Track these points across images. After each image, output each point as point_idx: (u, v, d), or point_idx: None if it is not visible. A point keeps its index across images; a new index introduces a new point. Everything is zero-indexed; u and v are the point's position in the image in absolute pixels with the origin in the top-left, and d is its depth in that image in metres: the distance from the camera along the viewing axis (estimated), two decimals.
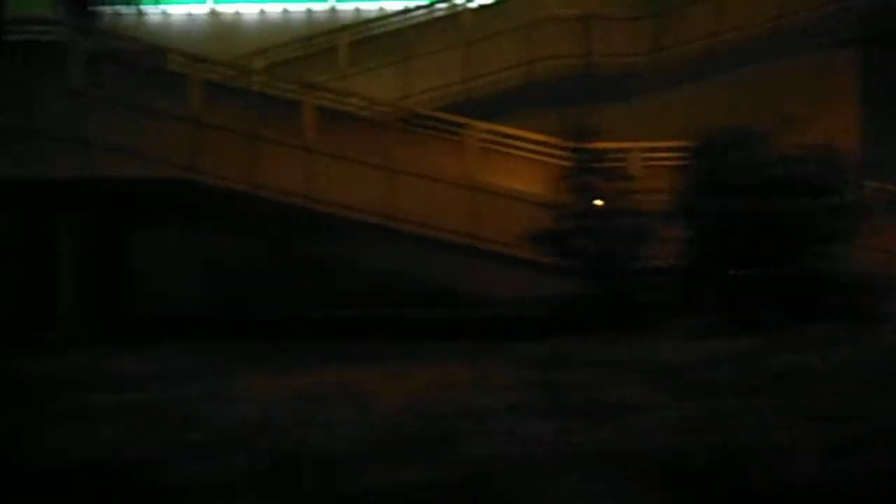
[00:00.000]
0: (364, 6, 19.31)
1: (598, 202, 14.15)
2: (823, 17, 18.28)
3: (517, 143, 16.04)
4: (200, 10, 20.93)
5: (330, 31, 18.50)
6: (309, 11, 20.02)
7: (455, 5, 18.27)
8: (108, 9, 20.62)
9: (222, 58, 17.18)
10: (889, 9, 20.39)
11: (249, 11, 20.83)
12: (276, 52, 18.40)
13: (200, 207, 16.70)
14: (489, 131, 16.01)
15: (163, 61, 16.47)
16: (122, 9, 20.69)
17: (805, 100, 21.94)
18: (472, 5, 18.32)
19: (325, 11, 19.53)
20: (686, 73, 18.14)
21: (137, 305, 18.58)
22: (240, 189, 15.00)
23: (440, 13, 18.47)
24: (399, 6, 18.78)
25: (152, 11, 20.91)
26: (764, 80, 19.27)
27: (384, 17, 18.67)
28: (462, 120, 15.90)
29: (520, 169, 16.14)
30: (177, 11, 20.96)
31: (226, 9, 20.90)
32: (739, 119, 18.52)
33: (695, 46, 18.08)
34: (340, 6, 19.41)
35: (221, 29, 20.67)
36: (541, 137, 15.82)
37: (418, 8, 18.52)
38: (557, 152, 15.49)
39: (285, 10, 20.51)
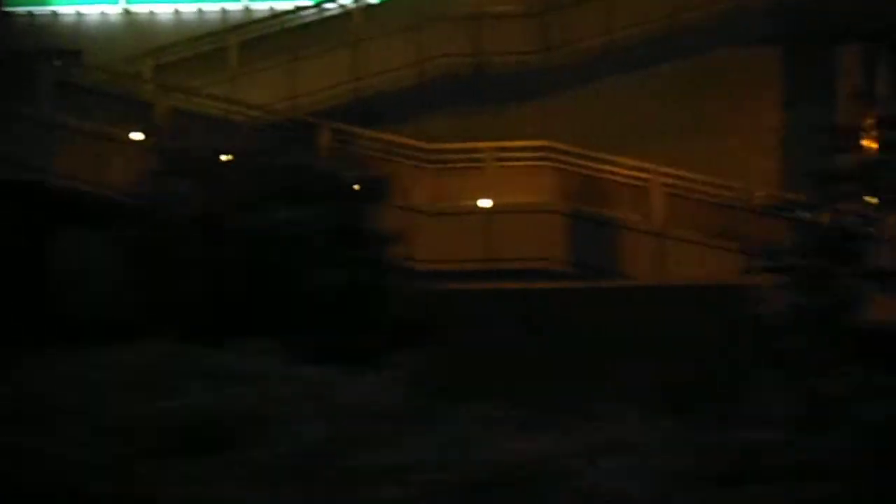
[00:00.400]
0: (255, 6, 18.99)
1: None
2: (722, 13, 17.57)
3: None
4: (113, 9, 20.79)
5: (220, 31, 18.26)
6: (217, 11, 19.74)
7: (344, 4, 17.91)
8: (20, 9, 20.59)
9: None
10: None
11: (163, 11, 20.63)
12: (170, 52, 18.20)
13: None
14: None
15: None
16: (36, 9, 20.63)
17: (725, 99, 21.36)
18: (361, 4, 17.95)
19: (217, 12, 19.23)
20: (584, 72, 17.60)
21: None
22: (84, 189, 14.78)
23: (331, 12, 18.12)
24: (289, 6, 18.44)
25: (66, 12, 20.82)
26: (677, 79, 18.82)
27: (275, 16, 18.36)
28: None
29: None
30: (91, 11, 20.84)
31: (139, 8, 20.72)
32: (644, 119, 18.13)
33: (588, 44, 17.51)
34: (230, 6, 19.10)
35: (134, 28, 20.52)
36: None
37: (308, 7, 18.18)
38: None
39: (199, 10, 20.29)
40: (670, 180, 14.61)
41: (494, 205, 14.20)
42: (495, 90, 17.59)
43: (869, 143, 22.55)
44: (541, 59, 17.47)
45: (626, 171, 15.04)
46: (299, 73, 17.64)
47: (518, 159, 14.89)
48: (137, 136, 15.11)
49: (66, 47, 18.96)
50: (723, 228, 14.56)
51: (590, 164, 15.22)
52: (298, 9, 18.25)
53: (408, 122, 16.96)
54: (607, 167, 15.21)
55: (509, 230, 13.76)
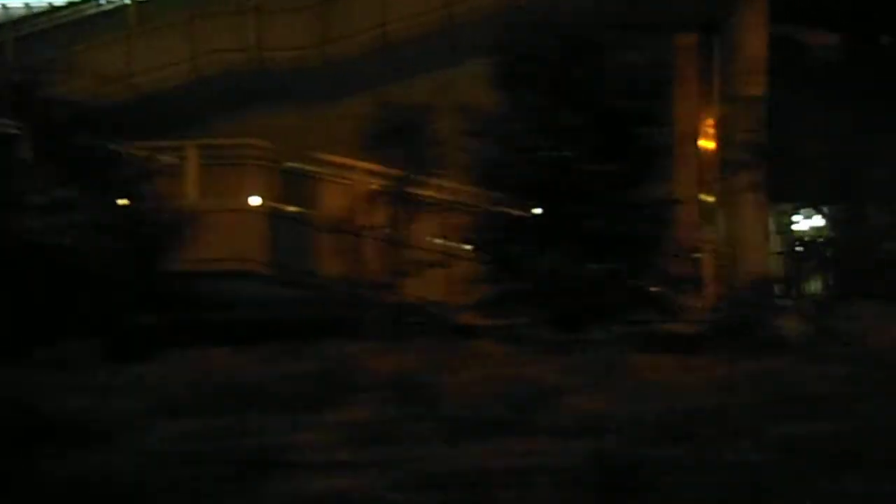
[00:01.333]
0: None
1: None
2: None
3: None
4: None
5: None
6: None
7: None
8: None
9: None
10: None
11: None
12: None
13: None
14: None
15: None
16: None
17: None
18: None
19: None
20: (360, 67, 16.88)
21: None
22: None
23: (108, 6, 17.54)
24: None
25: None
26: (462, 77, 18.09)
27: (53, 10, 17.81)
28: None
29: None
30: None
31: None
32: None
33: (366, 37, 16.77)
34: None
35: None
36: None
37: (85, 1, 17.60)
38: None
39: None
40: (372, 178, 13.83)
41: (200, 204, 13.57)
42: (274, 88, 16.96)
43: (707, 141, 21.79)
44: (315, 54, 16.77)
45: (331, 172, 14.37)
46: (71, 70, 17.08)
47: (224, 158, 14.29)
48: None
49: None
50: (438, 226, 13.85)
51: (299, 165, 14.62)
52: (76, 2, 17.67)
53: (182, 122, 16.36)
54: (314, 167, 14.58)
55: (213, 231, 13.12)
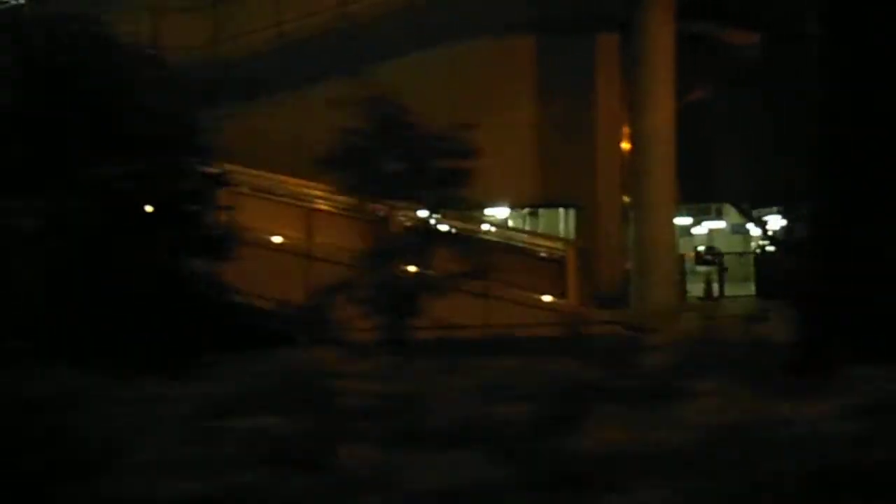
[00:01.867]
0: None
1: None
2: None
3: None
4: None
5: None
6: None
7: None
8: None
9: None
10: None
11: None
12: None
13: None
14: None
15: None
16: None
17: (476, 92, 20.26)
18: None
19: None
20: (255, 68, 16.52)
21: None
22: None
23: None
24: None
25: None
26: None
27: None
28: None
29: None
30: None
31: None
32: None
33: (259, 36, 16.43)
34: None
35: None
36: None
37: None
38: None
39: None
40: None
41: None
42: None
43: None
44: (208, 53, 16.40)
45: None
46: None
47: None
48: None
49: None
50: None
51: None
52: None
53: None
54: None
55: None
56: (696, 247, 41.31)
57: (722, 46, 20.06)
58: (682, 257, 21.86)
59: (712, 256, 32.28)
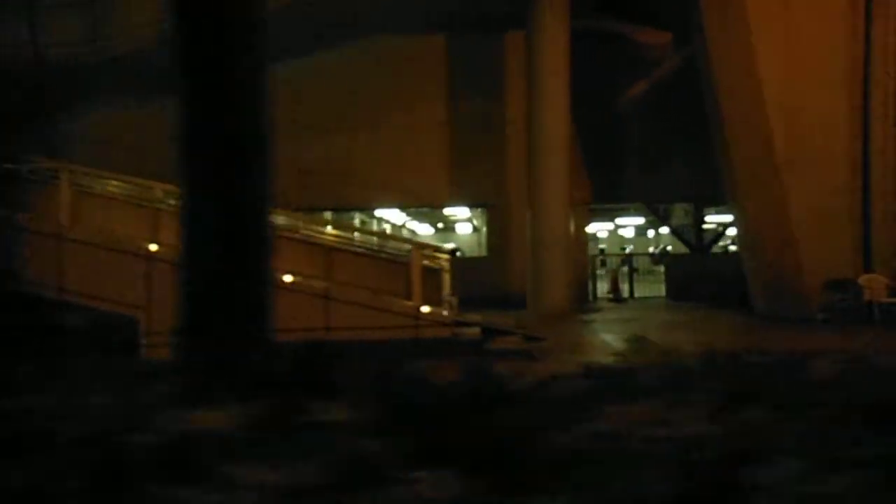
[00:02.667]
0: None
1: None
2: None
3: None
4: None
5: None
6: None
7: None
8: None
9: None
10: None
11: None
12: None
13: None
14: None
15: None
16: None
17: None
18: None
19: None
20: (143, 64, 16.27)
21: None
22: None
23: None
24: None
25: None
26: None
27: None
28: None
29: None
30: None
31: None
32: None
33: (141, 33, 16.18)
34: None
35: None
36: None
37: None
38: None
39: None
40: None
41: None
42: (54, 86, 16.34)
43: None
44: (90, 51, 16.19)
45: None
46: None
47: None
48: None
49: None
50: None
51: None
52: None
53: None
54: None
55: None
56: (650, 248, 41.22)
57: (640, 46, 19.84)
58: (590, 259, 21.62)
59: (660, 257, 32.15)
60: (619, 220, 47.73)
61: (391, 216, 43.65)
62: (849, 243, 14.64)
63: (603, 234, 57.88)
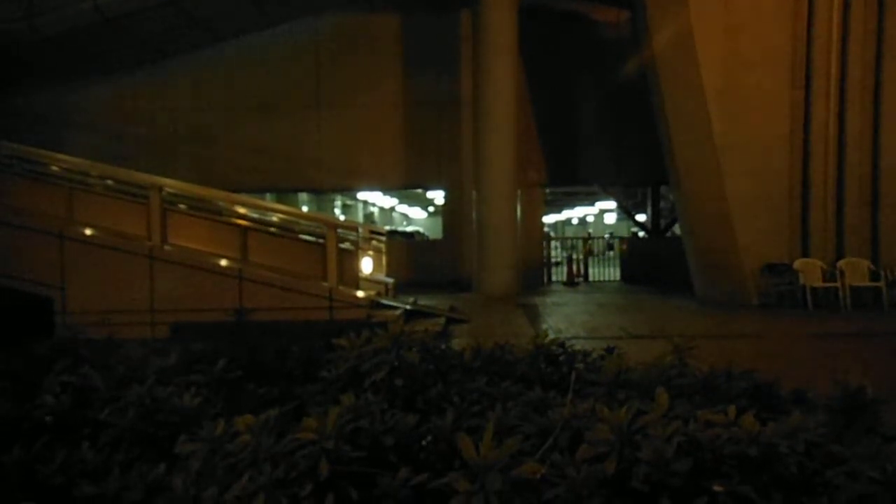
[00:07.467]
0: None
1: None
2: None
3: None
4: None
5: None
6: None
7: None
8: None
9: None
10: None
11: None
12: None
13: None
14: None
15: None
16: None
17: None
18: None
19: None
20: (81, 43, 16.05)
21: None
22: None
23: None
24: None
25: None
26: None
27: None
28: None
29: None
30: None
31: None
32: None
33: (74, 9, 15.94)
34: None
35: None
36: None
37: None
38: None
39: None
40: None
41: None
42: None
43: None
44: (24, 26, 15.94)
45: None
46: None
47: None
48: None
49: None
50: None
51: None
52: None
53: None
54: None
55: None
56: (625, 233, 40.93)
57: (596, 24, 19.51)
58: (544, 242, 21.36)
59: (610, 241, 31.97)
60: (601, 205, 47.53)
61: (378, 200, 43.29)
62: (786, 227, 14.38)
63: (590, 220, 57.77)
